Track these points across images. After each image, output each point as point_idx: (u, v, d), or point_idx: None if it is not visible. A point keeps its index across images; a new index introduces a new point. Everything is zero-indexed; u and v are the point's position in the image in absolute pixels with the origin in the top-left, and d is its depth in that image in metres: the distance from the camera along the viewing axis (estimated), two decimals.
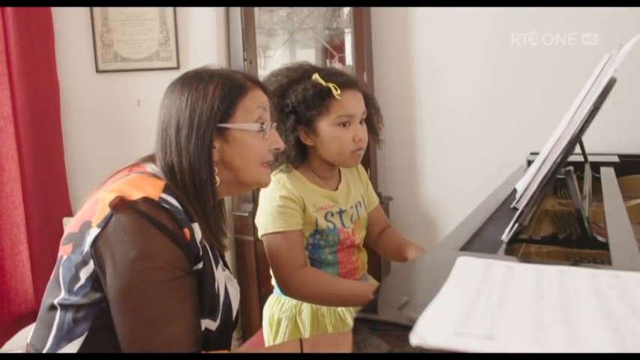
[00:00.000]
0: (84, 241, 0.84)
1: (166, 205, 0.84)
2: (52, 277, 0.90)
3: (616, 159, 1.73)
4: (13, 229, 1.92)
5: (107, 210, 0.82)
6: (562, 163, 0.85)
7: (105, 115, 2.27)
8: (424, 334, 0.46)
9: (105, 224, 0.82)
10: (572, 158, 0.88)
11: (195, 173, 0.92)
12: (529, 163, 1.79)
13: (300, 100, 1.18)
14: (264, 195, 1.23)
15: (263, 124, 0.98)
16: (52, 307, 0.87)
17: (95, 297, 0.84)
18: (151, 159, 0.98)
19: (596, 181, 1.41)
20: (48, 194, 2.04)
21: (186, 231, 0.86)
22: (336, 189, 1.30)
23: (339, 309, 1.27)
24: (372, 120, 1.29)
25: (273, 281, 1.29)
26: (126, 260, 0.81)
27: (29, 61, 2.00)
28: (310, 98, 1.17)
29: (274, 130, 1.03)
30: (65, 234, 0.89)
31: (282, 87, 1.20)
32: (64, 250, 0.87)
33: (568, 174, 0.82)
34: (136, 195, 0.84)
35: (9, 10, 1.91)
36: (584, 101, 1.00)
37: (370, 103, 1.28)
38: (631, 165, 1.70)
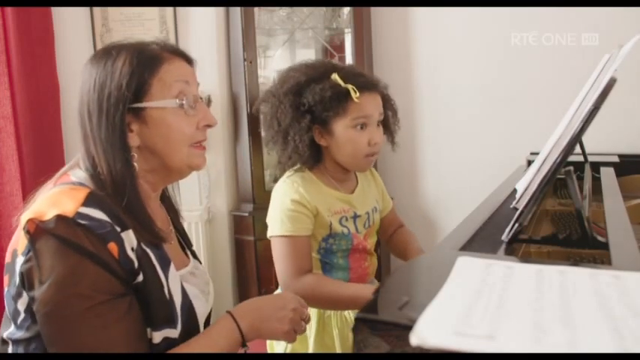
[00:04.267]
0: (15, 272, 0.78)
1: (83, 221, 0.75)
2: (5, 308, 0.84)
3: (616, 159, 1.73)
4: (13, 229, 1.91)
5: (26, 237, 0.76)
6: (562, 163, 0.85)
7: None
8: (424, 334, 0.46)
9: (27, 252, 0.76)
10: (572, 158, 0.88)
11: (110, 163, 0.83)
12: (529, 163, 1.79)
13: (317, 100, 1.15)
14: (276, 195, 1.22)
15: (183, 99, 0.87)
16: (4, 342, 0.82)
17: (38, 329, 0.77)
18: (78, 162, 0.90)
19: (596, 181, 1.41)
20: None
21: (112, 246, 0.77)
22: (353, 192, 1.28)
23: (346, 312, 1.26)
24: (388, 122, 1.27)
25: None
26: (44, 290, 0.74)
27: (29, 61, 1.99)
28: (328, 99, 1.15)
29: (203, 105, 0.92)
30: (5, 262, 0.82)
31: (299, 85, 1.18)
32: (5, 282, 0.81)
33: (568, 174, 0.81)
34: (49, 213, 0.75)
35: (9, 10, 1.91)
36: (584, 101, 1.00)
37: (388, 104, 1.26)
38: (631, 165, 1.70)
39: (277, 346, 1.28)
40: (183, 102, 0.87)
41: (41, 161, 2.05)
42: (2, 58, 1.90)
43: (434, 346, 0.45)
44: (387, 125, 1.27)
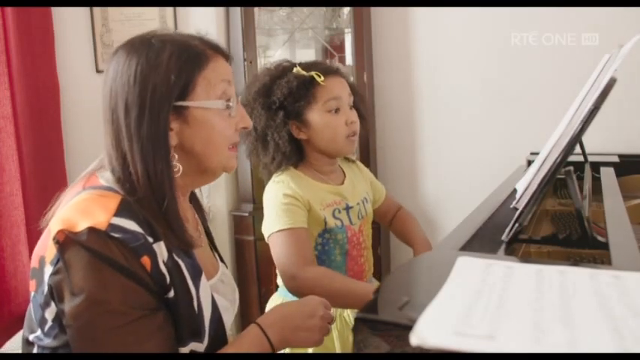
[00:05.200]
0: (43, 280, 0.75)
1: (117, 234, 0.72)
2: (28, 307, 0.82)
3: (616, 159, 1.73)
4: (13, 229, 1.91)
5: (55, 246, 0.73)
6: (562, 163, 0.85)
7: None
8: (424, 334, 0.46)
9: (56, 262, 0.73)
10: (572, 158, 0.88)
11: (149, 162, 0.77)
12: (529, 163, 1.79)
13: (285, 93, 1.18)
14: (268, 196, 1.21)
15: (229, 100, 0.84)
16: (30, 343, 0.81)
17: (66, 339, 0.75)
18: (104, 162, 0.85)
19: (596, 181, 1.41)
20: (48, 194, 2.03)
21: (145, 259, 0.74)
22: (342, 184, 1.29)
23: (345, 313, 1.26)
24: (358, 105, 1.29)
25: (279, 281, 1.28)
26: (75, 305, 0.71)
27: (29, 61, 1.99)
28: (295, 89, 1.18)
29: (241, 107, 0.90)
30: (31, 266, 0.79)
31: (265, 85, 1.21)
32: (32, 286, 0.79)
33: (568, 174, 0.81)
34: (81, 225, 0.72)
35: (9, 10, 1.91)
36: (584, 101, 1.00)
37: (353, 90, 1.29)
38: (631, 165, 1.70)
39: None
40: (229, 103, 0.84)
41: (41, 161, 2.05)
42: (2, 58, 1.90)
43: (434, 346, 0.45)
44: (358, 108, 1.29)
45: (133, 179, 0.78)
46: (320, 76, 1.18)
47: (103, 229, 0.72)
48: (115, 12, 2.22)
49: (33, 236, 1.96)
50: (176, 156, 0.81)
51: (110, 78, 0.80)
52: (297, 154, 1.24)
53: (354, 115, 1.24)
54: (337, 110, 1.21)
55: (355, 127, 1.23)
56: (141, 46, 0.80)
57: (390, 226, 1.46)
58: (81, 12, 2.21)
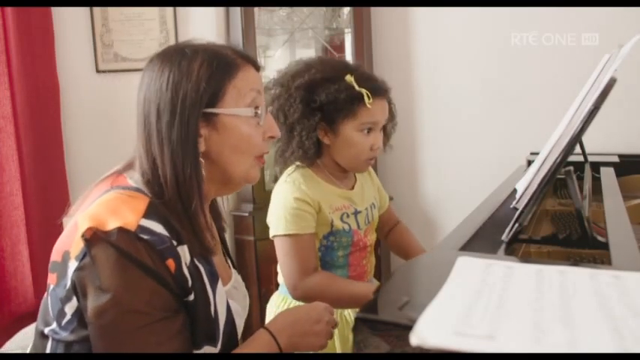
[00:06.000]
0: (66, 275, 0.76)
1: (145, 236, 0.74)
2: (43, 299, 0.83)
3: (616, 159, 1.73)
4: (13, 229, 1.91)
5: (82, 242, 0.74)
6: (562, 163, 0.85)
7: (105, 115, 2.26)
8: (424, 334, 0.46)
9: (82, 258, 0.74)
10: (572, 158, 0.88)
11: (178, 166, 0.79)
12: (529, 163, 1.79)
13: (330, 99, 1.16)
14: (278, 194, 1.21)
15: (257, 108, 0.86)
16: (44, 335, 0.81)
17: (84, 334, 0.76)
18: (133, 163, 0.87)
19: (596, 181, 1.41)
20: (48, 194, 2.04)
21: (170, 262, 0.75)
22: (352, 188, 1.29)
23: (346, 312, 1.27)
24: (387, 127, 1.28)
25: (279, 279, 1.28)
26: (101, 303, 0.72)
27: (29, 61, 1.99)
28: (341, 101, 1.15)
29: (270, 116, 0.91)
30: (51, 260, 0.81)
31: (314, 82, 1.17)
32: (51, 279, 0.80)
33: (568, 174, 0.82)
34: (111, 224, 0.73)
35: (9, 10, 1.91)
36: (584, 101, 1.00)
37: (391, 114, 1.28)
38: (631, 165, 1.70)
39: None
40: (259, 111, 0.86)
41: (41, 161, 2.05)
42: (2, 58, 1.90)
43: (434, 346, 0.45)
44: (386, 130, 1.28)
45: (162, 182, 0.80)
46: (369, 98, 1.15)
47: (132, 229, 0.73)
48: (115, 12, 2.22)
49: (33, 236, 1.96)
50: (202, 162, 0.83)
51: (144, 85, 0.83)
52: (315, 155, 1.22)
53: (380, 141, 1.22)
54: (369, 131, 1.19)
55: (377, 153, 1.23)
56: (174, 55, 0.83)
57: (386, 238, 1.45)
58: (81, 12, 2.21)
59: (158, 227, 0.76)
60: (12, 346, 1.71)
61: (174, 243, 0.77)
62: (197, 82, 0.80)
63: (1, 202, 1.88)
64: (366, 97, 1.15)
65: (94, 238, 0.73)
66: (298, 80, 1.18)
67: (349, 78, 1.16)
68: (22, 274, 1.94)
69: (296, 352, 1.24)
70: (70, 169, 2.21)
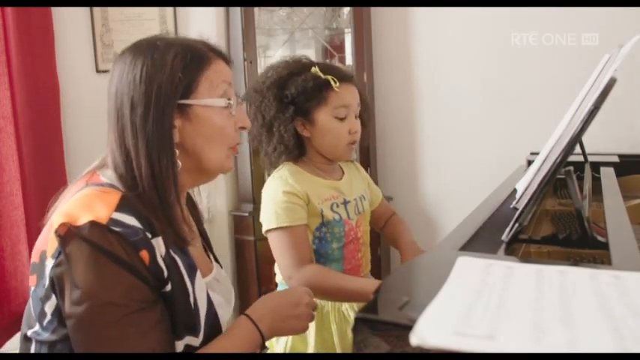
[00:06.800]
0: (44, 274, 0.77)
1: (117, 228, 0.74)
2: (28, 303, 0.83)
3: (616, 159, 1.73)
4: (13, 229, 1.91)
5: (56, 239, 0.74)
6: (562, 163, 0.85)
7: (105, 115, 2.26)
8: (424, 334, 0.46)
9: (57, 255, 0.74)
10: (572, 158, 0.88)
11: (154, 158, 0.80)
12: (529, 163, 1.79)
13: (300, 90, 1.21)
14: (267, 191, 1.24)
15: (229, 99, 0.88)
16: (28, 339, 0.81)
17: (65, 333, 0.76)
18: (105, 161, 0.87)
19: (596, 181, 1.41)
20: (48, 194, 2.03)
21: (144, 254, 0.75)
22: (340, 179, 1.32)
23: (343, 307, 1.28)
24: (363, 116, 1.32)
25: (278, 278, 1.30)
26: (76, 298, 0.72)
27: (29, 61, 1.99)
28: (310, 89, 1.21)
29: (241, 107, 0.93)
30: (31, 262, 0.81)
31: (282, 78, 1.23)
32: (32, 281, 0.80)
33: (568, 174, 0.82)
34: (83, 218, 0.74)
35: (9, 10, 1.91)
36: (584, 101, 1.00)
37: (362, 99, 1.32)
38: (631, 165, 1.70)
39: (277, 345, 1.28)
40: (230, 102, 0.88)
41: (41, 161, 2.05)
42: (2, 58, 1.90)
43: (434, 346, 0.45)
44: (362, 117, 1.31)
45: (136, 175, 0.81)
46: (335, 82, 1.21)
47: (104, 223, 0.74)
48: (115, 12, 2.22)
49: (33, 236, 1.96)
50: (177, 152, 0.83)
51: (116, 77, 0.83)
52: (298, 149, 1.26)
53: (357, 125, 1.27)
54: (344, 118, 1.23)
55: (357, 136, 1.27)
56: (147, 48, 0.84)
57: (382, 231, 1.48)
58: (81, 12, 2.21)
59: (131, 220, 0.76)
60: (12, 346, 1.71)
61: (149, 235, 0.77)
62: (172, 73, 0.81)
63: (1, 202, 1.88)
64: (332, 82, 1.21)
65: (67, 234, 0.74)
66: (268, 81, 1.24)
67: (314, 69, 1.23)
68: (22, 274, 1.94)
69: (296, 353, 1.25)
70: (70, 169, 2.21)
